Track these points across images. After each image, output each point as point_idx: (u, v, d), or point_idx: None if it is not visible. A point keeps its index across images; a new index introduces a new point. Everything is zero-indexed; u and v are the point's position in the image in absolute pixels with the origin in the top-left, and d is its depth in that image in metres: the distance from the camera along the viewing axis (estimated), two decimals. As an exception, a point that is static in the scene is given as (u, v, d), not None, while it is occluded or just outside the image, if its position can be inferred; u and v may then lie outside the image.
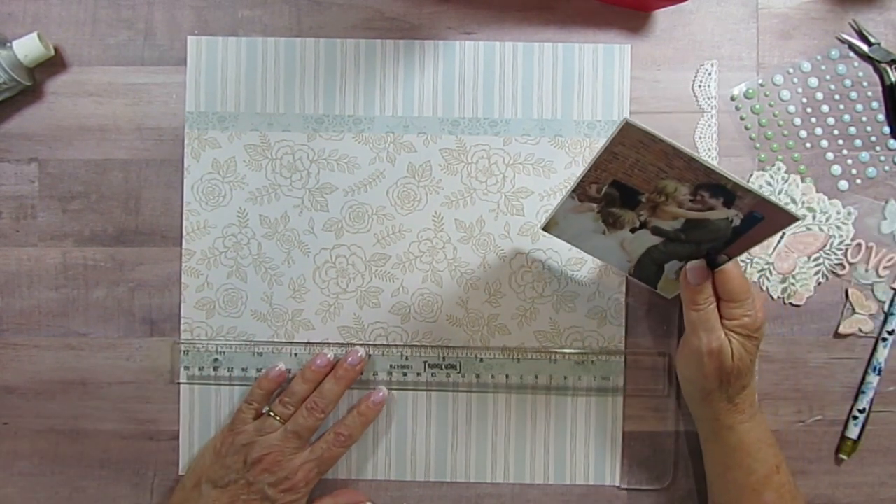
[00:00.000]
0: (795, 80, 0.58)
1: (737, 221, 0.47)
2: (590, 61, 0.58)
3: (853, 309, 0.58)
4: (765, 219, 0.46)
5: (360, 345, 0.58)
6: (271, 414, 0.55)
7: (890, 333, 0.57)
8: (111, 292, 0.58)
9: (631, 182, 0.47)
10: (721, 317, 0.50)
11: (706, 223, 0.48)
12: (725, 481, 0.53)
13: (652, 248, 0.52)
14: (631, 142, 0.45)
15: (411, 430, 0.58)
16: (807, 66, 0.58)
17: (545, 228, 0.54)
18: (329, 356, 0.57)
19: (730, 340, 0.50)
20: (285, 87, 0.58)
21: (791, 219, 0.45)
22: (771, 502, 0.51)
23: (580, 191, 0.49)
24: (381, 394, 0.57)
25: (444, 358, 0.58)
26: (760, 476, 0.51)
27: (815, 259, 0.58)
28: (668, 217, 0.48)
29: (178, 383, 0.58)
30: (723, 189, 0.45)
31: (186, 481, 0.55)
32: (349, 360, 0.56)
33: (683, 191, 0.46)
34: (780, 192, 0.58)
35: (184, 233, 0.58)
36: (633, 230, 0.51)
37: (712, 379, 0.51)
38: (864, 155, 0.58)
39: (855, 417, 0.57)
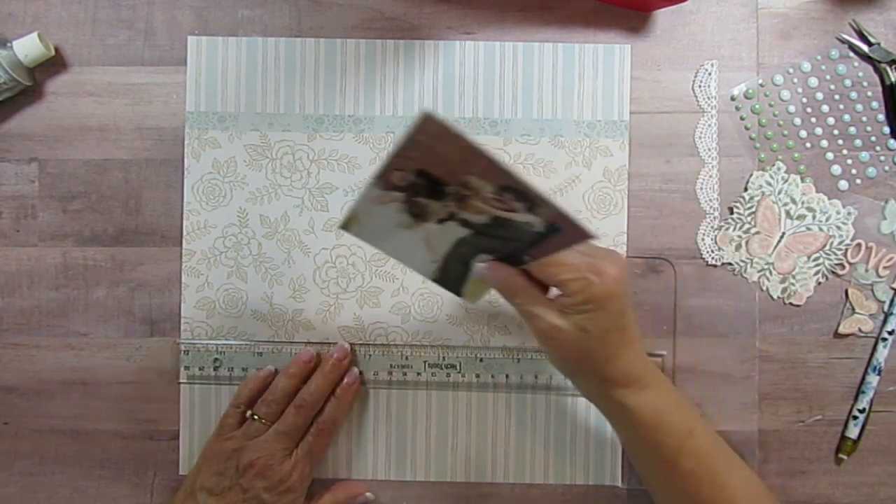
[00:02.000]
0: (795, 80, 0.58)
1: (540, 227, 0.44)
2: (590, 61, 0.58)
3: (853, 309, 0.58)
4: (563, 231, 0.44)
5: (361, 344, 0.58)
6: (255, 417, 0.54)
7: (890, 333, 0.57)
8: (111, 292, 0.58)
9: (436, 172, 0.44)
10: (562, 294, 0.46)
11: (511, 223, 0.45)
12: (640, 460, 0.51)
13: (460, 242, 0.48)
14: (433, 134, 0.41)
15: (411, 430, 0.58)
16: (807, 66, 0.58)
17: (344, 226, 0.47)
18: (312, 351, 0.56)
19: (570, 319, 0.46)
20: (285, 87, 0.58)
21: (586, 236, 0.43)
22: (689, 468, 0.48)
23: (384, 178, 0.45)
24: (352, 376, 0.56)
25: (444, 358, 0.58)
26: (671, 447, 0.48)
27: (815, 259, 0.58)
28: (474, 211, 0.45)
29: (179, 383, 0.58)
30: (525, 195, 0.43)
31: (183, 490, 0.55)
32: (335, 355, 0.56)
33: (488, 188, 0.43)
34: (780, 192, 0.58)
35: (184, 233, 0.58)
36: (440, 221, 0.47)
37: (569, 361, 0.48)
38: (864, 155, 0.58)
39: (855, 417, 0.57)
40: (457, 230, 0.47)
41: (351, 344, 0.58)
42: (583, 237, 0.43)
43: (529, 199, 0.43)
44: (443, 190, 0.45)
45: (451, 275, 0.50)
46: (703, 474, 0.49)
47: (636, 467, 0.53)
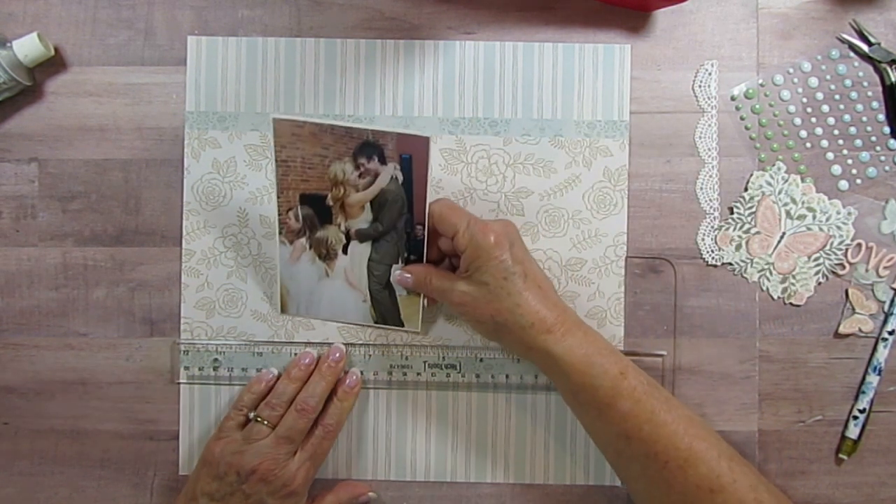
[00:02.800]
0: (795, 80, 0.58)
1: (400, 176, 0.51)
2: (590, 61, 0.58)
3: (853, 309, 0.58)
4: (412, 155, 0.50)
5: (361, 344, 0.58)
6: (258, 419, 0.54)
7: (890, 333, 0.57)
8: (111, 292, 0.58)
9: (312, 188, 0.52)
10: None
11: (385, 196, 0.52)
12: (579, 409, 0.52)
13: (370, 265, 0.55)
14: (287, 139, 0.50)
15: (411, 430, 0.58)
16: (807, 66, 0.58)
17: (283, 310, 0.57)
18: (314, 354, 0.56)
19: (471, 281, 0.51)
20: (285, 87, 0.58)
21: (422, 139, 0.50)
22: (627, 409, 0.49)
23: (284, 229, 0.54)
24: (354, 377, 0.56)
25: (444, 358, 0.58)
26: (607, 389, 0.49)
27: (816, 259, 0.58)
28: (357, 211, 0.53)
29: (178, 383, 0.58)
30: (370, 145, 0.50)
31: (184, 494, 0.54)
32: (331, 357, 0.56)
33: (349, 169, 0.51)
34: (780, 192, 0.58)
35: (184, 233, 0.58)
36: (344, 250, 0.54)
37: (486, 321, 0.51)
38: (865, 155, 0.58)
39: (855, 417, 0.57)
40: (361, 251, 0.54)
41: (351, 344, 0.58)
42: (423, 142, 0.50)
43: (375, 145, 0.50)
44: (326, 206, 0.53)
45: (384, 306, 0.56)
46: (640, 412, 0.49)
47: (578, 418, 0.53)
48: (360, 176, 0.52)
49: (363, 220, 0.54)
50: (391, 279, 0.55)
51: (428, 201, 0.53)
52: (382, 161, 0.51)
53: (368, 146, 0.50)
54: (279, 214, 0.54)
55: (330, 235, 0.54)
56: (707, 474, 0.48)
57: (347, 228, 0.54)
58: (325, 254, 0.55)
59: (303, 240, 0.54)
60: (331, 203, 0.53)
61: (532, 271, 0.52)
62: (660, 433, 0.49)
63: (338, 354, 0.56)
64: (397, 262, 0.55)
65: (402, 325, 0.57)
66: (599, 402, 0.50)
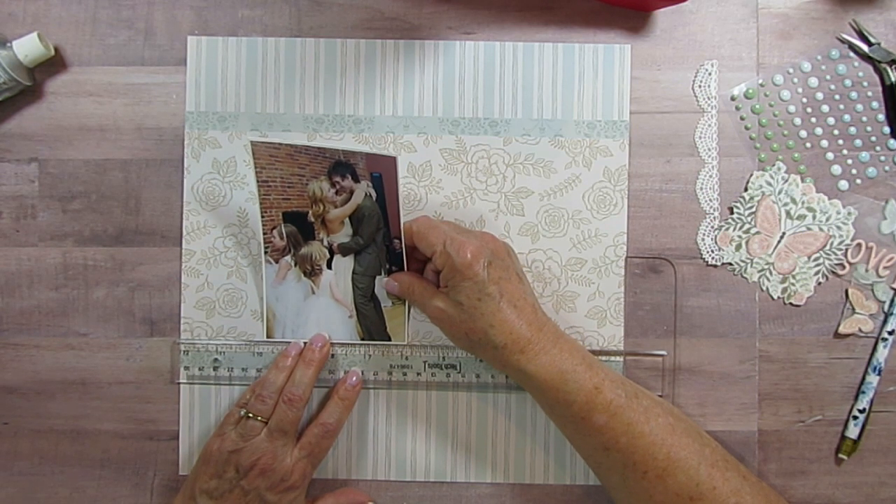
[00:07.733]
0: (795, 80, 0.58)
1: (373, 192, 0.53)
2: (590, 61, 0.58)
3: (853, 309, 0.58)
4: (382, 174, 0.52)
5: (361, 344, 0.58)
6: (250, 415, 0.54)
7: (890, 333, 0.57)
8: (111, 292, 0.58)
9: (294, 206, 0.54)
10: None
11: (362, 211, 0.54)
12: (558, 421, 0.52)
13: (355, 279, 0.56)
14: (266, 160, 0.52)
15: (411, 430, 0.58)
16: (807, 66, 0.58)
17: (269, 335, 0.57)
18: (301, 344, 0.57)
19: (448, 298, 0.52)
20: (285, 87, 0.58)
21: (390, 159, 0.51)
22: (603, 422, 0.50)
23: (269, 248, 0.55)
24: (355, 377, 0.57)
25: (444, 358, 0.58)
26: (581, 404, 0.50)
27: (815, 259, 0.58)
28: (338, 226, 0.54)
29: (178, 383, 0.58)
30: (343, 164, 0.52)
31: (182, 493, 0.54)
32: (315, 343, 0.56)
33: (326, 187, 0.53)
34: (780, 192, 0.58)
35: (184, 233, 0.58)
36: (329, 265, 0.56)
37: (461, 337, 0.52)
38: (864, 155, 0.58)
39: (855, 417, 0.57)
40: (345, 264, 0.56)
41: (351, 344, 0.58)
42: (391, 162, 0.51)
43: (346, 164, 0.52)
44: (308, 223, 0.54)
45: (370, 320, 0.57)
46: (617, 425, 0.50)
47: (560, 430, 0.54)
48: (336, 193, 0.53)
49: (344, 235, 0.55)
50: (377, 287, 0.56)
51: (402, 216, 0.54)
52: (355, 179, 0.53)
53: (341, 165, 0.52)
54: (264, 234, 0.55)
55: (314, 251, 0.55)
56: (686, 483, 0.49)
57: (330, 243, 0.56)
58: (311, 270, 0.56)
59: (288, 257, 0.56)
60: (312, 219, 0.54)
61: (508, 290, 0.51)
62: (637, 444, 0.49)
63: (321, 343, 0.56)
64: (380, 274, 0.56)
65: (389, 339, 0.57)
66: (575, 417, 0.50)
